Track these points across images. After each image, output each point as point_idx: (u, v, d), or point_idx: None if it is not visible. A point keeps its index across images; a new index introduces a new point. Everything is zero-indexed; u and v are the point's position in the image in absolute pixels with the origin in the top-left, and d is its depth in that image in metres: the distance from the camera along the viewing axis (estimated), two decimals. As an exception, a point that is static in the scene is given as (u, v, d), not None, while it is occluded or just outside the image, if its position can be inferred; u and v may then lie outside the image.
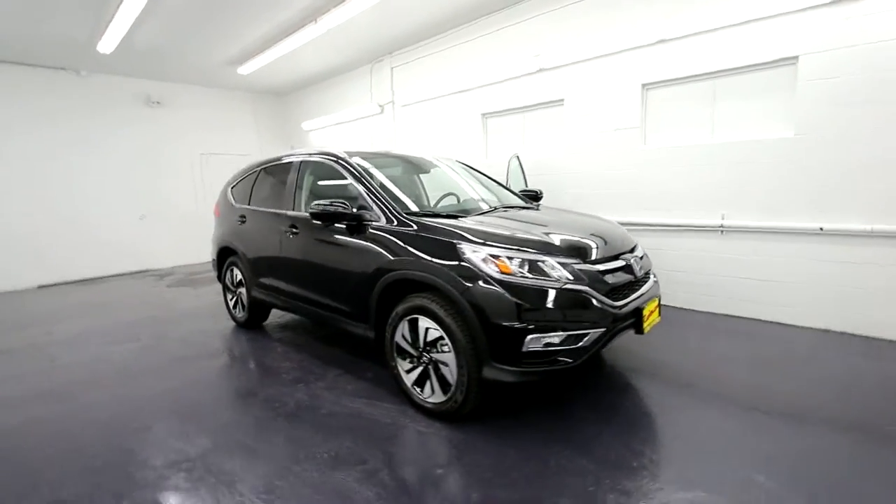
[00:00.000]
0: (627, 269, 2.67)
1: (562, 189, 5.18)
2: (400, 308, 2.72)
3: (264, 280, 4.06)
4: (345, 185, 3.54)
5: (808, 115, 3.66)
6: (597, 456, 2.25)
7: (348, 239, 3.08)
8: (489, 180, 4.11)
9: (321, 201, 3.06)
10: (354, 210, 3.01)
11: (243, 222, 4.31)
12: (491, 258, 2.36)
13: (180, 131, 8.58)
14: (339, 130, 8.56)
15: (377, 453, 2.36)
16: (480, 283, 2.32)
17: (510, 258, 2.36)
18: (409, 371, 2.77)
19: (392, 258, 2.76)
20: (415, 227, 2.76)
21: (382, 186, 3.13)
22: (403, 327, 2.72)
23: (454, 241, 2.50)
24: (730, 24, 3.92)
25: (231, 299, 4.68)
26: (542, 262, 2.37)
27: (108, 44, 5.82)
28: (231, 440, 2.54)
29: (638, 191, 4.69)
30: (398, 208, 2.92)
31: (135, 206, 8.14)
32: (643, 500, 1.93)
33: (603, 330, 2.35)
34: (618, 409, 2.71)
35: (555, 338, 2.26)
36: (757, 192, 3.97)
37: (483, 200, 3.59)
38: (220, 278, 4.84)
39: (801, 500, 1.89)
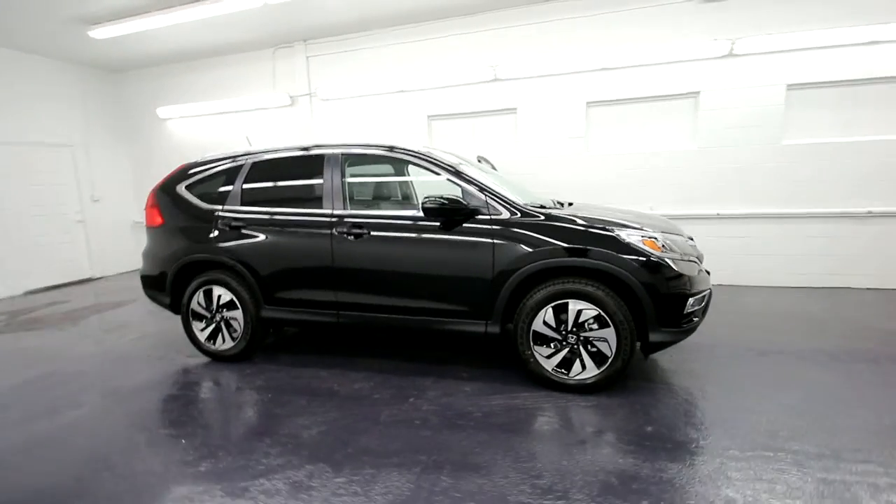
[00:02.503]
0: (694, 245, 3.42)
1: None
2: (539, 295, 2.82)
3: (287, 294, 3.38)
4: (428, 182, 3.34)
5: (706, 134, 5.18)
6: (727, 398, 2.90)
7: (458, 237, 2.96)
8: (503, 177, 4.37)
9: (433, 196, 2.88)
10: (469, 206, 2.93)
11: (240, 229, 3.45)
12: (645, 239, 2.75)
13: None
14: (220, 121, 7.20)
15: (588, 433, 2.45)
16: (644, 261, 2.68)
17: (656, 238, 2.79)
18: (549, 356, 2.88)
19: (531, 249, 2.83)
20: (542, 217, 2.90)
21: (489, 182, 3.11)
22: (545, 314, 2.83)
23: (606, 228, 2.78)
24: (654, 63, 5.18)
25: (203, 329, 3.64)
26: (675, 240, 2.88)
27: None
28: (438, 462, 2.22)
29: (583, 189, 5.63)
30: (516, 202, 2.99)
31: None
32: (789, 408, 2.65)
33: (710, 290, 3.01)
34: (695, 360, 3.43)
35: (696, 300, 2.80)
36: (674, 188, 5.37)
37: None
38: (177, 305, 3.71)
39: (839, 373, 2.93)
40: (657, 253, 2.72)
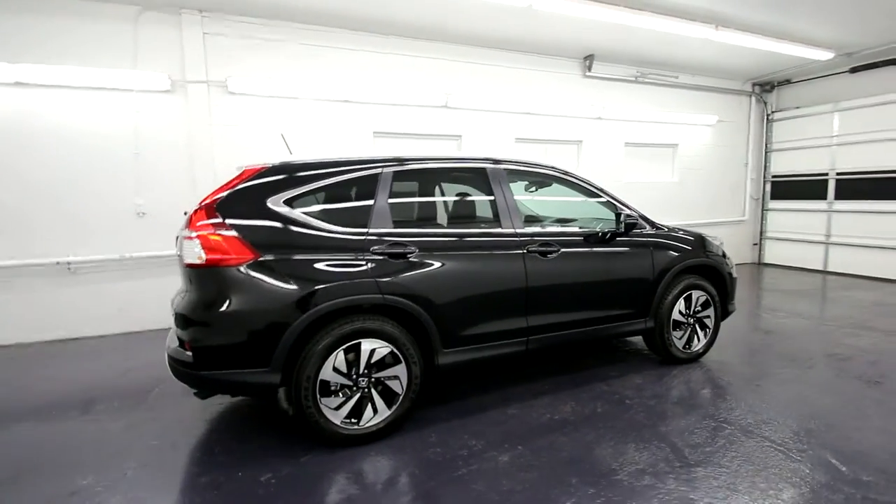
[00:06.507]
0: None
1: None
2: (676, 291, 3.60)
3: (475, 330, 2.87)
4: (586, 201, 3.57)
5: (585, 172, 7.06)
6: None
7: (629, 248, 3.43)
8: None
9: (630, 212, 3.24)
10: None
11: (405, 256, 2.66)
12: (720, 244, 3.95)
13: None
14: (7, 96, 4.24)
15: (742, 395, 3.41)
16: (726, 259, 3.87)
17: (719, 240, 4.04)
18: (680, 338, 3.68)
19: (676, 255, 3.57)
20: (666, 230, 3.71)
21: (624, 202, 3.64)
22: (680, 305, 3.63)
23: (702, 237, 3.81)
24: (558, 115, 6.70)
25: (340, 405, 2.52)
26: (714, 242, 4.21)
27: None
28: (743, 426, 2.66)
29: (511, 211, 6.60)
30: (650, 219, 3.66)
31: None
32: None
33: None
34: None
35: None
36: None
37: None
38: (285, 381, 2.44)
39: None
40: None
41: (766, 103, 8.34)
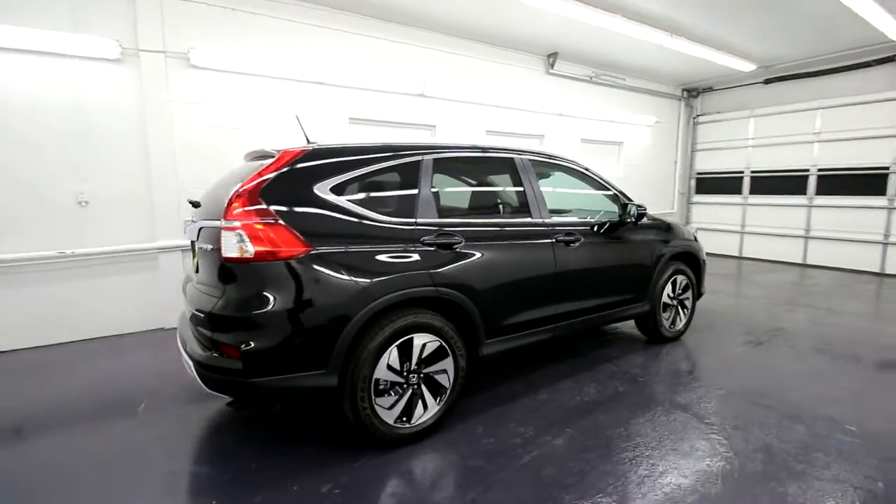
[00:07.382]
0: None
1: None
2: (666, 275, 3.93)
3: (513, 320, 2.89)
4: (594, 193, 3.70)
5: (548, 165, 7.37)
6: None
7: (633, 236, 3.66)
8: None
9: (639, 205, 3.45)
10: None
11: (451, 247, 2.59)
12: (694, 230, 4.36)
13: None
14: None
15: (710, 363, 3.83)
16: (700, 243, 4.29)
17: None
18: (667, 318, 4.03)
19: (667, 242, 3.89)
20: (657, 219, 4.01)
21: (621, 193, 3.85)
22: (668, 288, 3.97)
23: (670, 224, 4.14)
24: (525, 109, 6.88)
25: (394, 404, 2.42)
26: (683, 231, 4.64)
27: None
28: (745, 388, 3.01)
29: (481, 203, 6.68)
30: (647, 211, 3.92)
31: None
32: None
33: None
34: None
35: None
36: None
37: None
38: (341, 383, 2.27)
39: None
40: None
41: (692, 107, 9.32)
